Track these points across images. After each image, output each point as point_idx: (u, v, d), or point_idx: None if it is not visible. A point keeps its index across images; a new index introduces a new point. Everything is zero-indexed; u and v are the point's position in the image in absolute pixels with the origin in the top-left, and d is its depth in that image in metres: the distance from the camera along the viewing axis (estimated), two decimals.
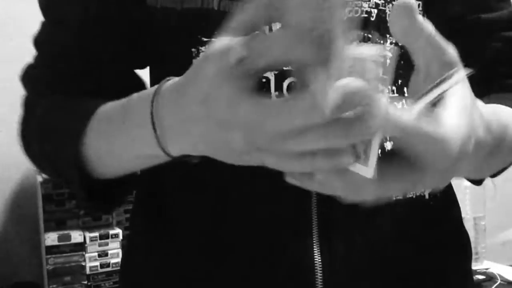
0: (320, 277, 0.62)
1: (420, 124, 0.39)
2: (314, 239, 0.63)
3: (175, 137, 0.49)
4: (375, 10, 0.63)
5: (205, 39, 0.62)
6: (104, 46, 0.67)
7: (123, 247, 1.84)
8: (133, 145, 0.56)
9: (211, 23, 0.62)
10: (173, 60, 0.66)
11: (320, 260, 0.62)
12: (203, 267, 0.66)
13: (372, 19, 0.63)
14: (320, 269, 0.62)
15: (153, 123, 0.50)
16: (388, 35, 0.64)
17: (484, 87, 0.68)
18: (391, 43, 0.65)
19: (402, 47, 0.67)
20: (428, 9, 0.69)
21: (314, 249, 0.63)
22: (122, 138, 0.58)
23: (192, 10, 0.62)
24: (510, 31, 0.70)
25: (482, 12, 0.69)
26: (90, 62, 0.68)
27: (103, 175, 0.63)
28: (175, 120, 0.48)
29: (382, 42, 0.64)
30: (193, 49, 0.63)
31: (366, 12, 0.63)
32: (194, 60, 0.62)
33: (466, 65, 0.71)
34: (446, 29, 0.72)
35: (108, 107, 0.60)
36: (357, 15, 0.63)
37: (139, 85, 0.73)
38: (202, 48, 0.62)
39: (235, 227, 0.64)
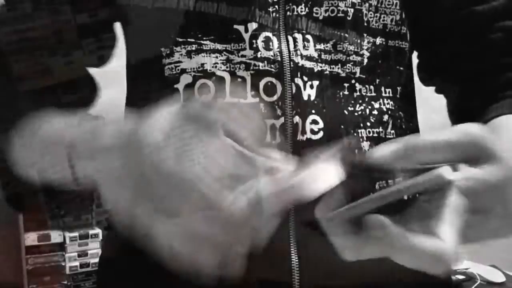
0: (297, 279, 0.62)
1: None
2: (291, 243, 0.63)
3: None
4: (352, 10, 0.63)
5: (180, 40, 0.62)
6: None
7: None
8: None
9: (187, 23, 0.62)
10: (144, 58, 0.66)
11: (297, 263, 0.62)
12: None
13: (349, 18, 0.63)
14: (298, 272, 0.62)
15: None
16: (365, 34, 0.65)
17: (490, 83, 0.68)
18: (368, 42, 0.65)
19: (379, 46, 0.67)
20: (422, 3, 0.69)
21: (292, 252, 0.63)
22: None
23: (166, 10, 0.62)
24: (506, 20, 0.69)
25: (475, 4, 0.69)
26: None
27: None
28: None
29: (359, 41, 0.64)
30: (163, 49, 0.63)
31: (343, 11, 0.63)
32: (164, 60, 0.63)
33: (467, 60, 0.71)
34: (441, 23, 0.72)
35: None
36: (333, 15, 0.63)
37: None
38: (177, 48, 0.62)
39: None
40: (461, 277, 1.99)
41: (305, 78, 0.61)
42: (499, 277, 2.04)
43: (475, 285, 1.97)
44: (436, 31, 0.71)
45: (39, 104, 0.62)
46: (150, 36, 0.64)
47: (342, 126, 0.63)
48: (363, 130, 0.63)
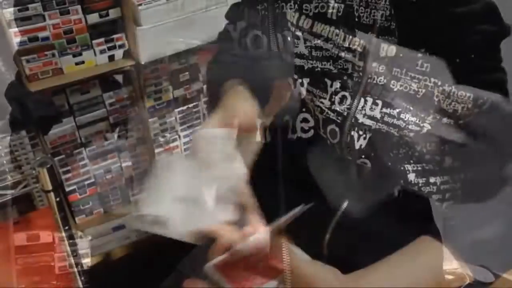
0: (289, 277, 0.63)
1: None
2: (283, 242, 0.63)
3: None
4: (342, 5, 0.63)
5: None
6: None
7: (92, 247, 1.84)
8: None
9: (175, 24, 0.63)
10: (155, 59, 0.66)
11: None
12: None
13: (340, 14, 0.63)
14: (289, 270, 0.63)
15: None
16: (357, 30, 0.64)
17: (468, 83, 0.69)
18: (359, 38, 0.65)
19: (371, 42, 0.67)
20: (405, 3, 0.69)
21: (283, 251, 0.63)
22: None
23: (164, 11, 0.63)
24: (485, 23, 0.70)
25: (457, 5, 0.69)
26: None
27: None
28: None
29: (351, 37, 0.64)
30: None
31: (333, 7, 0.63)
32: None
33: (447, 58, 0.72)
34: (424, 22, 0.73)
35: None
36: (323, 11, 0.63)
37: None
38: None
39: None
40: (450, 277, 1.99)
41: (295, 76, 0.61)
42: (489, 278, 2.04)
43: (464, 285, 1.98)
44: (420, 29, 0.71)
45: (50, 104, 0.62)
46: (159, 37, 0.65)
47: (334, 125, 0.63)
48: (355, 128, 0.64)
